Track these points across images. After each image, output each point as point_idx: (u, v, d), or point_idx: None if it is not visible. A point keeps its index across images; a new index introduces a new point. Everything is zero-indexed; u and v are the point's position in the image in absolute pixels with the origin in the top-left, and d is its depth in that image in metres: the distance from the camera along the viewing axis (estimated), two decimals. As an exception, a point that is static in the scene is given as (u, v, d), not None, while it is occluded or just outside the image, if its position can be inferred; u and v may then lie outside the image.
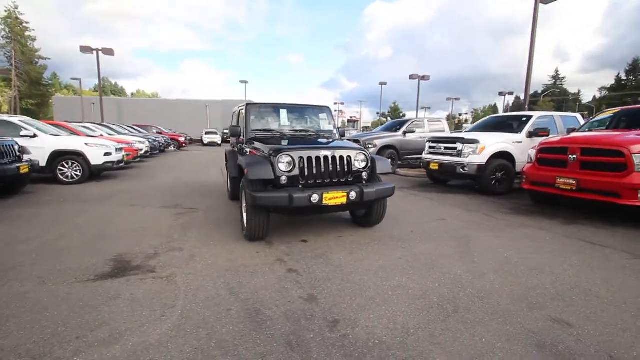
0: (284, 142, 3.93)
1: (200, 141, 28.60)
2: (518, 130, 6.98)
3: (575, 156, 4.61)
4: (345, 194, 3.44)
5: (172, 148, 19.58)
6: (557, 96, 67.57)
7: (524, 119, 7.16)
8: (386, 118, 41.09)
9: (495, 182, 6.61)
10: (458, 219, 4.71)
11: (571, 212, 5.08)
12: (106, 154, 7.47)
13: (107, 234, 3.84)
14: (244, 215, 3.81)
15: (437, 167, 7.22)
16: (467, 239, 3.81)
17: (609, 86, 72.69)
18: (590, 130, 5.67)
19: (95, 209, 5.13)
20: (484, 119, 8.54)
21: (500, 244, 3.66)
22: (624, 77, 67.91)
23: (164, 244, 3.53)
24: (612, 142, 4.34)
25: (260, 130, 4.53)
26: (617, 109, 5.72)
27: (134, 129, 15.99)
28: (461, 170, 6.66)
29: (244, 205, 3.83)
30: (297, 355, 1.79)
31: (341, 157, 3.63)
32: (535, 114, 7.12)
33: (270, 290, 2.53)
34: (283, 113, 4.86)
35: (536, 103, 59.18)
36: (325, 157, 3.57)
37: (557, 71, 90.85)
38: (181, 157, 15.93)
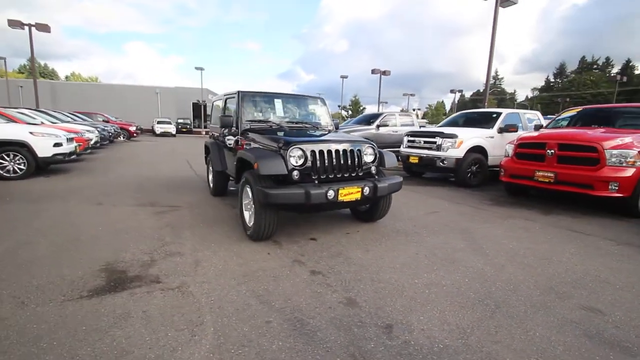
0: (284, 134, 3.66)
1: (151, 131, 26.47)
2: (489, 126, 7.37)
3: (552, 151, 4.96)
4: (360, 189, 3.31)
5: (122, 138, 17.82)
6: (496, 95, 73.66)
7: (494, 115, 7.59)
8: (347, 111, 41.64)
9: (471, 175, 6.95)
10: (449, 211, 4.84)
11: (543, 202, 5.49)
12: (56, 145, 6.47)
13: (81, 239, 3.30)
14: (246, 213, 3.51)
15: (416, 161, 7.39)
16: (468, 231, 3.91)
17: (539, 87, 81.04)
18: (557, 127, 6.16)
19: (54, 208, 4.40)
20: (454, 114, 8.93)
21: (500, 234, 3.81)
22: (552, 80, 76.12)
23: (157, 248, 3.11)
24: (587, 138, 4.74)
25: (255, 122, 4.20)
26: (579, 108, 6.29)
27: (78, 117, 14.19)
28: (441, 163, 6.89)
29: (245, 202, 3.53)
30: (367, 369, 1.63)
31: (351, 151, 3.48)
32: (505, 111, 7.59)
33: (303, 296, 2.32)
34: (278, 103, 4.55)
35: (481, 101, 63.93)
36: (337, 151, 3.39)
37: (496, 72, 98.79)
38: (134, 149, 14.55)
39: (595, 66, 73.69)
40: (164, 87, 33.08)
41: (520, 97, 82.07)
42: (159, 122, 25.80)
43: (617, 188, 4.41)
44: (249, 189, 3.41)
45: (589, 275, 2.79)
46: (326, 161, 3.32)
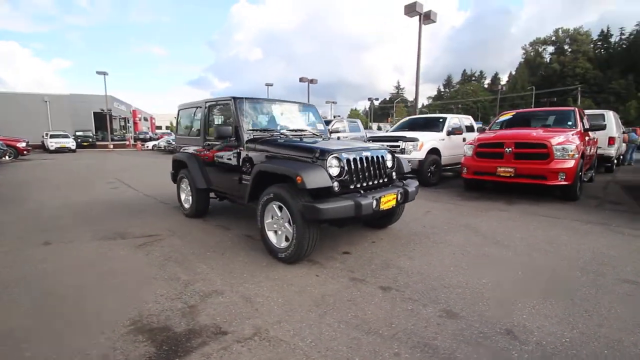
0: (306, 143, 3.37)
1: (42, 147, 21.82)
2: (439, 129, 8.13)
3: (510, 149, 5.70)
4: (395, 195, 3.25)
5: (8, 158, 14.18)
6: (399, 103, 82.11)
7: (441, 120, 8.40)
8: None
9: (430, 174, 7.53)
10: (438, 210, 5.13)
11: (498, 194, 6.26)
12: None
13: (66, 296, 2.45)
14: (271, 233, 3.11)
15: (381, 164, 7.67)
16: (471, 227, 4.19)
17: (433, 96, 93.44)
18: (501, 128, 7.12)
19: (-22, 257, 3.20)
20: (403, 120, 9.59)
21: (497, 226, 4.18)
22: (442, 89, 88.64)
23: (182, 290, 2.51)
24: (538, 136, 5.58)
25: (256, 130, 3.77)
26: (513, 112, 7.42)
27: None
28: (405, 165, 7.30)
29: (268, 221, 3.13)
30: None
31: (377, 158, 3.39)
32: (448, 116, 8.46)
33: (400, 317, 2.13)
34: (275, 110, 4.17)
35: (389, 109, 70.71)
36: (367, 158, 3.26)
37: (398, 82, 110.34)
38: (35, 170, 11.71)
39: (473, 78, 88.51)
40: (54, 94, 27.47)
41: (418, 104, 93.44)
42: (52, 136, 21.35)
43: (564, 177, 5.29)
44: (276, 206, 3.03)
45: (602, 254, 3.22)
46: (359, 170, 3.16)
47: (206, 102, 4.25)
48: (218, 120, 4.21)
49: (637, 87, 54.98)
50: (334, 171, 2.92)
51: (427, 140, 7.46)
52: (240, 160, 3.64)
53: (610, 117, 9.16)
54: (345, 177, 3.01)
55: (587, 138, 6.41)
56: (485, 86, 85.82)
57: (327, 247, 3.42)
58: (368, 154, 3.28)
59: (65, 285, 2.61)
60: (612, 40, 69.62)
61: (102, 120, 29.35)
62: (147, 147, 24.91)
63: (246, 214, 4.92)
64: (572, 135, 5.73)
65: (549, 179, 5.36)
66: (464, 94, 77.16)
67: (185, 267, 2.95)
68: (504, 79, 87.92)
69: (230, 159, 3.79)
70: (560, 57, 71.81)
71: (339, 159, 2.98)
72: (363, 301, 2.34)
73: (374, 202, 2.94)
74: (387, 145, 7.45)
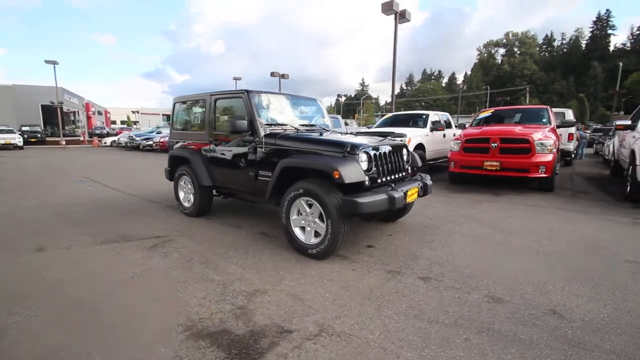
0: (330, 139, 3.34)
1: (-21, 144, 19.39)
2: (422, 125, 8.44)
3: (496, 144, 6.08)
4: (417, 188, 3.35)
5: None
6: (367, 99, 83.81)
7: (423, 116, 8.73)
8: None
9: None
10: (435, 203, 5.34)
11: (483, 186, 6.67)
12: None
13: (90, 305, 2.24)
14: (297, 229, 3.06)
15: (370, 160, 7.82)
16: (473, 217, 4.42)
17: (396, 93, 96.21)
18: (481, 125, 7.55)
19: (-37, 268, 2.81)
20: (386, 116, 9.82)
21: (497, 216, 4.46)
22: (405, 87, 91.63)
23: (221, 292, 2.40)
24: (521, 133, 6.00)
25: (270, 125, 3.66)
26: (492, 109, 7.90)
27: None
28: (394, 160, 7.50)
29: (294, 217, 3.08)
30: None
31: (396, 152, 3.47)
32: (430, 113, 8.81)
33: (453, 304, 2.21)
34: (285, 104, 4.08)
35: (356, 105, 71.92)
36: (389, 152, 3.32)
37: (363, 80, 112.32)
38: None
39: (432, 77, 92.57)
40: (-9, 84, 24.53)
41: (382, 101, 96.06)
42: (-8, 132, 19.07)
43: (544, 170, 5.75)
44: (304, 202, 2.99)
45: (590, 237, 3.58)
46: (384, 163, 3.22)
47: (211, 95, 4.05)
48: (225, 114, 4.04)
49: (577, 88, 60.67)
50: (364, 166, 2.94)
51: (414, 136, 7.71)
52: (257, 156, 3.52)
53: (570, 115, 10.07)
54: (373, 172, 3.04)
55: (557, 134, 7.01)
56: (443, 85, 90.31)
57: (349, 241, 3.44)
58: (390, 148, 3.35)
59: (89, 294, 2.38)
60: (555, 44, 76.16)
61: (50, 114, 26.70)
62: (105, 143, 23.11)
63: (251, 211, 4.79)
64: (548, 131, 6.24)
65: (531, 171, 5.80)
66: (425, 92, 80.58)
67: (214, 268, 2.82)
68: (460, 78, 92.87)
69: (244, 155, 3.66)
70: (510, 59, 77.30)
71: (367, 154, 3.01)
72: (410, 292, 2.40)
73: (403, 195, 3.01)
74: (376, 141, 7.77)
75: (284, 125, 3.78)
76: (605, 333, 1.90)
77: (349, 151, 2.92)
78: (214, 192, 4.37)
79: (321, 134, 3.51)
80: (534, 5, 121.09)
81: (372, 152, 3.05)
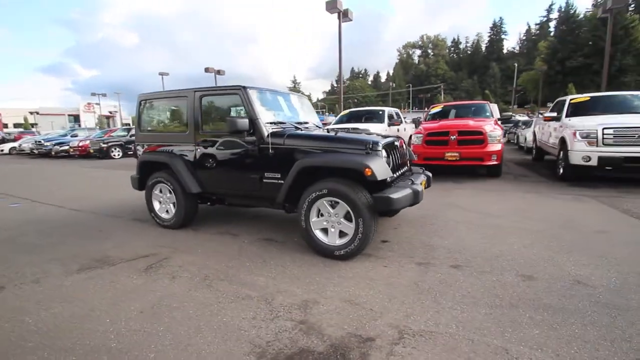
0: (347, 136, 3.25)
1: None
2: (381, 120, 8.81)
3: (455, 137, 6.65)
4: (425, 181, 3.47)
5: None
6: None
7: (380, 112, 9.12)
8: None
9: (379, 163, 8.13)
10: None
11: (444, 176, 7.25)
12: None
13: (124, 348, 1.82)
14: (318, 232, 2.95)
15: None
16: (455, 205, 4.77)
17: (327, 91, 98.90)
18: (433, 119, 8.16)
19: None
20: (343, 112, 9.98)
21: (474, 202, 4.88)
22: (335, 85, 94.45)
23: (271, 308, 2.17)
24: (475, 126, 6.65)
25: (271, 124, 3.42)
26: (443, 104, 8.60)
27: None
28: (360, 156, 7.69)
29: (313, 219, 2.95)
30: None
31: (403, 147, 3.56)
32: (386, 109, 9.24)
33: (495, 289, 2.35)
34: (280, 101, 3.83)
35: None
36: (396, 147, 3.38)
37: (295, 77, 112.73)
38: None
39: (360, 75, 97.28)
40: None
41: (313, 98, 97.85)
42: None
43: (496, 158, 6.49)
44: (327, 203, 2.88)
45: (557, 214, 4.15)
46: (396, 159, 3.27)
47: (196, 92, 3.60)
48: (214, 113, 3.65)
49: (480, 85, 69.65)
50: (385, 161, 2.95)
51: (377, 130, 7.96)
52: (262, 157, 3.26)
53: (495, 108, 11.51)
54: (391, 167, 3.07)
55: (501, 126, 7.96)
56: (370, 82, 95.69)
57: (363, 238, 3.42)
58: (397, 143, 3.41)
59: (104, 342, 1.93)
60: (461, 47, 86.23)
61: None
62: (2, 150, 19.09)
63: (237, 217, 4.43)
64: (494, 123, 7.05)
65: (485, 160, 6.49)
66: (354, 89, 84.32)
67: (240, 283, 2.54)
68: (383, 77, 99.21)
69: (244, 156, 3.36)
70: (425, 59, 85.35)
71: (386, 149, 3.02)
72: (453, 281, 2.49)
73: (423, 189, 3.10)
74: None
75: (283, 123, 3.57)
76: (626, 294, 2.22)
77: (371, 147, 2.89)
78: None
79: (329, 132, 3.41)
80: (442, 12, 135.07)
81: (387, 147, 3.08)
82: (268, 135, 3.22)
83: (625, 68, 40.21)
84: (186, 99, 3.68)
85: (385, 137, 3.42)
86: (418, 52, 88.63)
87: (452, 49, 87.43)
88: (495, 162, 6.50)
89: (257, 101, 3.40)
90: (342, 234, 2.91)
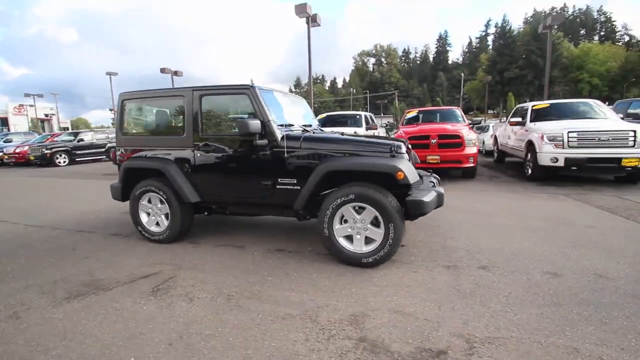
0: (368, 139, 3.13)
1: None
2: (359, 124, 8.89)
3: (435, 140, 6.89)
4: (435, 183, 3.49)
5: None
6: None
7: (357, 116, 9.20)
8: None
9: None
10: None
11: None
12: None
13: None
14: (342, 240, 2.81)
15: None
16: (449, 206, 4.86)
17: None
18: (410, 124, 8.41)
19: None
20: (321, 116, 9.90)
21: (465, 202, 5.06)
22: (293, 90, 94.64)
23: (320, 327, 1.98)
24: (453, 130, 6.95)
25: (280, 126, 3.21)
26: (417, 110, 8.89)
27: None
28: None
29: (337, 227, 2.82)
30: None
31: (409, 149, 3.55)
32: (362, 113, 9.35)
33: (531, 287, 2.40)
34: (285, 102, 3.61)
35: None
36: (410, 149, 3.36)
37: (252, 81, 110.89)
38: None
39: (318, 81, 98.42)
40: None
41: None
42: None
43: (472, 160, 6.84)
44: (352, 208, 2.75)
45: (541, 210, 4.44)
46: (412, 161, 3.24)
47: (194, 90, 3.27)
48: (217, 114, 3.34)
49: (430, 93, 74.11)
50: (407, 164, 2.90)
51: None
52: (276, 161, 3.04)
53: (459, 114, 12.23)
54: (410, 170, 3.03)
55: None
56: (327, 88, 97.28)
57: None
58: (409, 146, 3.40)
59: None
60: (411, 57, 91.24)
61: None
62: None
63: (236, 226, 4.11)
64: (468, 128, 7.44)
65: (463, 162, 6.81)
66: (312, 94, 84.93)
67: (274, 301, 2.30)
68: (340, 83, 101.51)
69: (256, 161, 3.10)
70: (379, 67, 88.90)
71: (406, 152, 2.98)
72: (488, 283, 2.48)
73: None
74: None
75: (290, 125, 3.37)
76: (645, 284, 2.39)
77: (396, 150, 2.83)
78: None
79: (349, 135, 3.29)
80: (393, 23, 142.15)
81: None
82: (282, 138, 3.01)
83: (554, 79, 45.45)
84: (182, 99, 3.32)
85: (399, 141, 3.39)
86: (372, 60, 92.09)
87: (403, 58, 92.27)
88: (472, 165, 6.84)
89: (269, 102, 3.18)
90: (368, 240, 2.80)
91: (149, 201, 3.56)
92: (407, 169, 2.65)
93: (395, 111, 59.88)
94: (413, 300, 2.26)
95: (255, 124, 2.91)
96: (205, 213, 3.67)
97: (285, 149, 3.00)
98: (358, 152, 2.88)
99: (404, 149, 2.86)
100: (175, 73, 21.14)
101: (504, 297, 2.28)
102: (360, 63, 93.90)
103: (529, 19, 60.36)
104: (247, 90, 3.10)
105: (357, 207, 2.76)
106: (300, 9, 12.27)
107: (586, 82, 42.34)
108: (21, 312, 2.23)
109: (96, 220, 4.63)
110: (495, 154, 10.30)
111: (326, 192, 3.00)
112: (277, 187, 3.08)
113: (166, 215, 3.50)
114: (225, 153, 3.21)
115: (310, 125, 3.83)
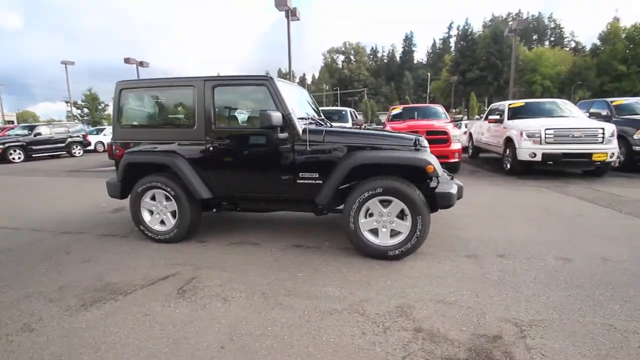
0: (391, 133, 3.14)
1: None
2: (345, 120, 8.92)
3: (423, 136, 7.08)
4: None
5: None
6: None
7: (343, 112, 9.23)
8: (81, 109, 29.92)
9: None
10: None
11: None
12: None
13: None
14: (368, 233, 2.81)
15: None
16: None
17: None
18: (395, 120, 8.58)
19: None
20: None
21: (471, 194, 5.26)
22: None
23: (372, 321, 1.97)
24: (440, 126, 7.20)
25: (300, 119, 3.13)
26: (401, 107, 9.08)
27: None
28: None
29: (362, 221, 2.82)
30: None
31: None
32: (347, 110, 9.39)
33: (551, 274, 2.55)
34: (299, 95, 3.52)
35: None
36: (424, 144, 3.44)
37: (218, 74, 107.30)
38: None
39: (287, 76, 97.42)
40: None
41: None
42: None
43: (457, 155, 7.14)
44: (378, 202, 2.76)
45: (530, 202, 4.74)
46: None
47: (206, 81, 3.09)
48: (231, 105, 3.19)
49: (397, 91, 76.09)
50: (429, 158, 2.96)
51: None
52: (298, 155, 2.96)
53: (441, 111, 12.67)
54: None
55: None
56: (296, 84, 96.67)
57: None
58: (423, 140, 3.47)
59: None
60: (379, 55, 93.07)
61: None
62: None
63: (241, 223, 3.97)
64: (452, 124, 7.75)
65: (449, 157, 7.09)
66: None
67: (313, 297, 2.25)
68: (309, 79, 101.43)
69: (275, 155, 3.00)
70: (348, 65, 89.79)
71: (425, 146, 3.04)
72: (511, 269, 2.61)
73: (458, 184, 3.20)
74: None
75: (305, 118, 3.30)
76: (646, 265, 2.63)
77: (420, 144, 2.87)
78: None
79: (367, 128, 3.27)
80: (362, 20, 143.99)
81: (426, 144, 3.10)
82: (304, 131, 2.94)
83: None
84: (192, 89, 3.13)
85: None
86: (342, 57, 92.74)
87: (371, 56, 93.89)
88: (457, 160, 7.14)
89: (286, 95, 3.08)
90: (393, 233, 2.82)
91: (153, 198, 3.33)
92: (434, 162, 2.71)
93: (365, 108, 60.88)
94: (449, 290, 2.32)
95: (277, 117, 2.82)
96: (214, 210, 3.50)
97: (308, 143, 2.93)
98: (381, 146, 2.89)
99: (426, 143, 2.91)
100: (141, 64, 19.94)
101: (530, 282, 2.40)
102: (329, 60, 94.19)
103: (487, 22, 63.95)
104: (266, 81, 2.99)
105: (382, 201, 2.77)
106: (281, 2, 12.04)
107: (539, 84, 45.67)
108: (33, 324, 2.00)
109: (81, 220, 4.26)
110: (470, 150, 10.82)
111: (343, 186, 2.97)
112: (298, 181, 3.01)
113: (172, 213, 3.30)
114: (242, 147, 3.08)
115: (322, 118, 3.79)
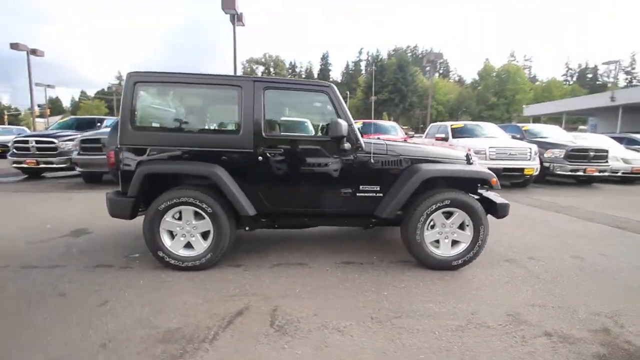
0: (446, 149, 3.23)
1: None
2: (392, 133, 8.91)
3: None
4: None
5: None
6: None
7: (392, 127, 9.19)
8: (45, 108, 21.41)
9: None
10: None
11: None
12: None
13: None
14: (431, 246, 2.87)
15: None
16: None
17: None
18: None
19: None
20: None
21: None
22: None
23: (460, 327, 1.98)
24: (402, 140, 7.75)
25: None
26: (362, 121, 9.47)
27: None
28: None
29: (427, 233, 2.86)
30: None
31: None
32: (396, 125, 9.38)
33: (584, 271, 2.99)
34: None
35: (113, 100, 59.63)
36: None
37: (119, 72, 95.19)
38: None
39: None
40: None
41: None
42: None
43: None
44: (442, 214, 2.85)
45: (520, 213, 5.46)
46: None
47: (255, 82, 2.71)
48: (279, 112, 2.85)
49: (316, 107, 79.07)
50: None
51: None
52: (360, 167, 2.82)
53: (397, 127, 13.43)
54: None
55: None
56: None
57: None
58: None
59: None
60: (297, 70, 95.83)
61: None
62: None
63: (264, 241, 3.53)
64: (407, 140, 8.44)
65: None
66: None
67: (422, 316, 2.15)
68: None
69: (338, 167, 2.80)
70: (268, 77, 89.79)
71: (467, 160, 3.26)
72: (551, 270, 2.95)
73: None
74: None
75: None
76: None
77: (471, 158, 3.07)
78: None
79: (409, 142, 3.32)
80: (280, 35, 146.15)
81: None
82: (368, 143, 2.84)
83: (414, 104, 55.52)
84: (238, 90, 2.71)
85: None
86: (261, 68, 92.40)
87: (290, 71, 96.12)
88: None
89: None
90: (455, 243, 2.92)
91: (178, 217, 2.73)
92: (495, 177, 2.92)
93: (286, 121, 61.27)
94: (528, 294, 2.50)
95: (345, 127, 2.67)
96: (246, 228, 3.06)
97: (372, 155, 2.84)
98: (439, 159, 2.99)
99: (476, 157, 3.13)
100: (34, 52, 16.28)
101: (577, 278, 2.77)
102: (249, 70, 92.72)
103: (391, 52, 72.57)
104: (327, 88, 2.80)
105: (448, 212, 2.86)
106: (229, 4, 11.43)
107: (434, 108, 53.56)
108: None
109: (50, 248, 3.22)
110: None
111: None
112: (358, 194, 2.88)
113: (203, 235, 2.76)
114: (299, 157, 2.79)
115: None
